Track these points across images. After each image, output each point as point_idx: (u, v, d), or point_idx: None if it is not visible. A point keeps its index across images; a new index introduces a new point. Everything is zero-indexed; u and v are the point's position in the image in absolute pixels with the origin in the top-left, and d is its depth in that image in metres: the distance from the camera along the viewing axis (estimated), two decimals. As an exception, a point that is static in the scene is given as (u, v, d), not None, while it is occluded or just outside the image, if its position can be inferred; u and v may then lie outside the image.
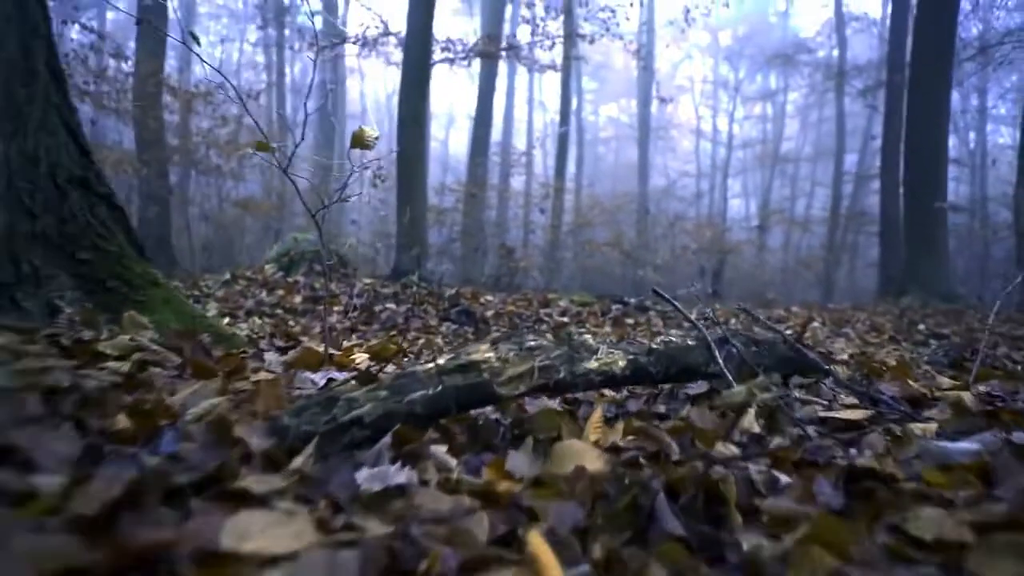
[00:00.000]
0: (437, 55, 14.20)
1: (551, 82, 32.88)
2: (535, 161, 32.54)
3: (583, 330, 6.01)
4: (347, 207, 22.45)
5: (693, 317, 2.74)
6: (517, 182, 24.85)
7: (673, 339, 2.16)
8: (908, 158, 14.24)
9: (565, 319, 6.38)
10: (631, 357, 1.90)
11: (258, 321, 5.28)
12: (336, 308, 6.10)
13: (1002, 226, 21.90)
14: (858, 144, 30.43)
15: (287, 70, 29.88)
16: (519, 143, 30.62)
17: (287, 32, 22.31)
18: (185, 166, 16.35)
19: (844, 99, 27.36)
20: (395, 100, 38.44)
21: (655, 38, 31.04)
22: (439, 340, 5.36)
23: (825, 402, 2.16)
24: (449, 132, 40.07)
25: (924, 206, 13.49)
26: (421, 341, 5.30)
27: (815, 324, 7.40)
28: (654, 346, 2.04)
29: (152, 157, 14.75)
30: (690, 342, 2.15)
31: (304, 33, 18.23)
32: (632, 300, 7.48)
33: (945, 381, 2.78)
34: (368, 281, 7.22)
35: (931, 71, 13.60)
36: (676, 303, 2.61)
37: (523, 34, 19.65)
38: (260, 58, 28.70)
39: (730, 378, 2.01)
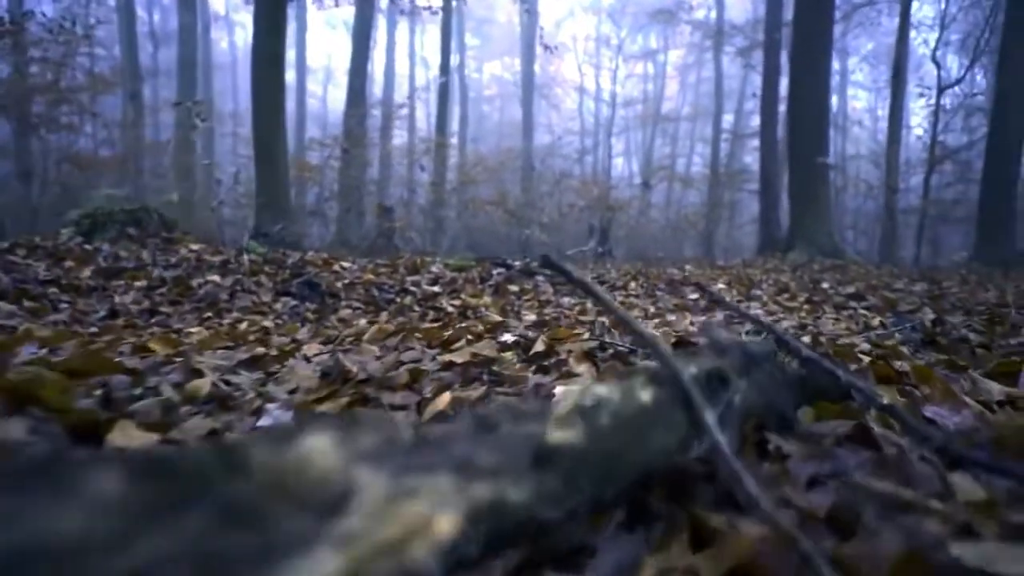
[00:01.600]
0: (298, -9, 12.40)
1: (433, 37, 31.12)
2: (417, 117, 30.85)
3: (456, 301, 4.77)
4: (214, 163, 20.31)
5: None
6: (400, 139, 23.24)
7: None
8: (791, 115, 13.63)
9: (436, 288, 5.12)
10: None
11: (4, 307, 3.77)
12: (139, 283, 4.62)
13: (864, 184, 22.05)
14: (734, 105, 30.26)
15: (141, 13, 26.96)
16: (401, 99, 28.84)
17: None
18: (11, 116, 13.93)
19: (722, 59, 26.95)
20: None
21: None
22: (268, 322, 4.01)
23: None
24: (327, 88, 37.64)
25: (807, 163, 12.91)
26: (243, 325, 3.94)
27: (720, 286, 6.43)
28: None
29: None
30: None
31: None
32: (516, 263, 6.29)
33: (993, 387, 1.69)
34: (195, 248, 5.72)
35: (813, 28, 12.97)
36: (570, 271, 1.46)
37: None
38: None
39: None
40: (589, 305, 4.92)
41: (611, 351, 2.18)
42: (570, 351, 2.11)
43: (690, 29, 27.38)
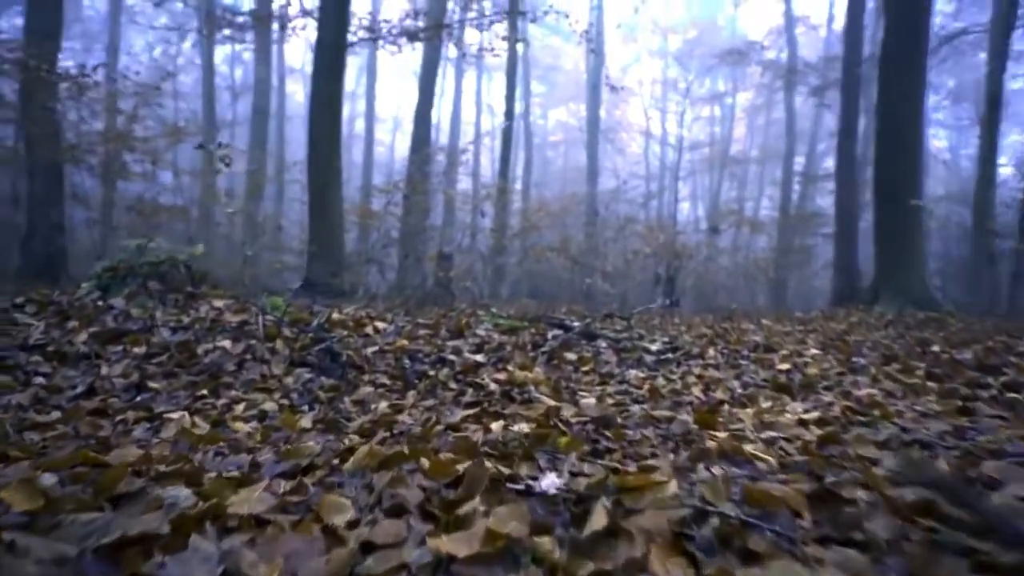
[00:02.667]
0: (361, 34, 12.00)
1: (499, 85, 30.87)
2: (482, 164, 30.50)
3: (501, 375, 3.93)
4: (284, 211, 20.14)
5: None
6: (464, 185, 22.77)
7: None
8: (880, 154, 12.44)
9: (479, 357, 4.29)
10: None
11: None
12: (137, 349, 3.92)
13: (955, 226, 20.50)
14: (805, 147, 28.97)
15: (224, 68, 27.41)
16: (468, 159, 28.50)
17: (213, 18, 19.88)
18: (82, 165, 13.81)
19: (794, 99, 25.85)
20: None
21: (603, 19, 29.20)
22: (271, 403, 3.26)
23: None
24: (395, 137, 37.74)
25: (896, 205, 11.69)
26: (239, 407, 3.19)
27: (812, 351, 5.44)
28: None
29: (44, 155, 12.28)
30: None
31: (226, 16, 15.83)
32: (575, 323, 5.42)
33: None
34: (218, 304, 5.04)
35: (905, 61, 11.82)
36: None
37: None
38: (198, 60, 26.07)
39: None
40: (661, 381, 4.03)
41: (716, 521, 1.32)
42: (649, 534, 1.25)
43: (760, 70, 26.39)
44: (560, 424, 2.55)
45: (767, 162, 31.52)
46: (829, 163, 28.36)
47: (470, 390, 3.54)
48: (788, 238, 22.77)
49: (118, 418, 2.93)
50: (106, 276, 5.22)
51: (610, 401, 3.27)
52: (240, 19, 13.75)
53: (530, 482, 1.56)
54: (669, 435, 2.46)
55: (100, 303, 4.86)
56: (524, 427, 2.48)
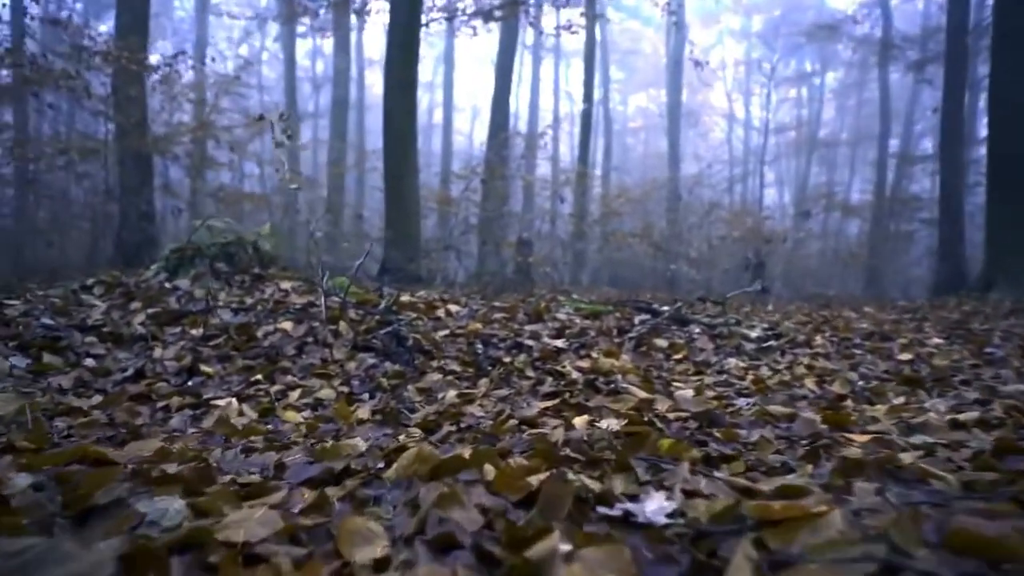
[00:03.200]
0: (435, 15, 11.68)
1: (577, 71, 30.11)
2: (561, 152, 29.98)
3: (584, 363, 3.50)
4: (365, 201, 20.15)
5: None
6: (543, 171, 22.30)
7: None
8: (993, 131, 11.35)
9: (560, 343, 3.87)
10: None
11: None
12: (195, 331, 3.66)
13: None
14: (900, 128, 27.28)
15: (305, 61, 27.63)
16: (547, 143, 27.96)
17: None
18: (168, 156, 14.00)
19: (888, 76, 24.34)
20: (419, 92, 35.89)
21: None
22: (328, 390, 2.92)
23: None
24: (474, 125, 37.51)
25: (1013, 186, 10.64)
26: (293, 395, 2.88)
27: (935, 340, 4.79)
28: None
29: (133, 145, 12.46)
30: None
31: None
32: (664, 308, 4.93)
33: None
34: (285, 286, 4.77)
35: (1021, 23, 10.74)
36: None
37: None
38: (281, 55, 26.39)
39: None
40: (766, 371, 3.52)
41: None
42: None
43: (851, 47, 24.95)
44: (656, 421, 2.11)
45: (858, 145, 29.89)
46: (927, 145, 26.71)
47: (549, 379, 3.13)
48: (883, 223, 21.45)
49: (160, 404, 2.65)
50: (174, 258, 5.02)
51: (710, 394, 2.80)
52: (317, 4, 13.62)
53: (629, 505, 1.13)
54: (792, 437, 1.98)
55: (166, 285, 4.66)
56: (613, 423, 2.05)
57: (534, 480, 1.23)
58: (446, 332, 3.88)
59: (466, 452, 1.47)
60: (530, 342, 3.81)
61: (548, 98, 35.27)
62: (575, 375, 3.19)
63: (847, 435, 1.97)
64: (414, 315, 4.18)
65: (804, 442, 1.90)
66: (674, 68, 28.56)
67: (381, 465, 1.49)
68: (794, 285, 16.39)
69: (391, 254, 9.94)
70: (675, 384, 3.05)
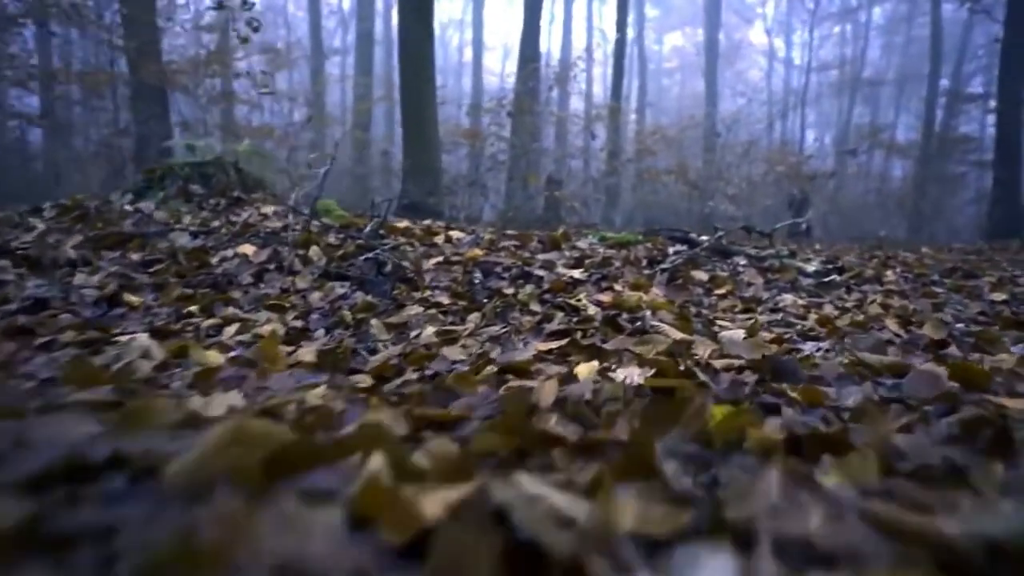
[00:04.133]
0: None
1: (611, 9, 28.51)
2: (593, 91, 28.74)
3: (605, 296, 2.77)
4: (394, 138, 19.37)
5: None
6: (575, 108, 21.23)
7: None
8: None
9: (577, 273, 3.15)
10: None
11: None
12: (135, 255, 3.01)
13: None
14: (949, 67, 25.53)
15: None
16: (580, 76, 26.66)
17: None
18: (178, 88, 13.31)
19: (940, 9, 22.66)
20: (449, 32, 34.53)
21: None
22: (275, 324, 2.26)
23: None
24: (504, 65, 36.20)
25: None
26: (231, 328, 2.22)
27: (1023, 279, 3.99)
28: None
29: (146, 75, 11.80)
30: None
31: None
32: (704, 238, 4.17)
33: None
34: (266, 211, 4.10)
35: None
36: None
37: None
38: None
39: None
40: (831, 309, 2.78)
41: None
42: None
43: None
44: (697, 371, 1.40)
45: (905, 84, 28.19)
46: (977, 84, 25.04)
47: (559, 314, 2.43)
48: (931, 165, 20.11)
49: (42, 340, 2.00)
50: (143, 179, 4.36)
51: (767, 336, 2.08)
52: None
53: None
54: (910, 401, 1.27)
55: (127, 207, 4.01)
56: (635, 374, 1.35)
57: (436, 506, 0.54)
58: (440, 260, 3.18)
59: (349, 429, 0.79)
60: (541, 272, 3.10)
61: (581, 37, 33.84)
62: (592, 310, 2.49)
63: (992, 399, 1.25)
64: (404, 241, 3.48)
65: (936, 409, 1.18)
66: (712, 3, 27.07)
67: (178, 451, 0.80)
68: (836, 227, 15.38)
69: (409, 187, 9.22)
70: (720, 324, 2.34)
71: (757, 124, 24.42)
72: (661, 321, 2.22)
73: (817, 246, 7.47)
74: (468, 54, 32.67)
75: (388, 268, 2.82)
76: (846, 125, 27.16)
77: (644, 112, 25.54)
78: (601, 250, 3.80)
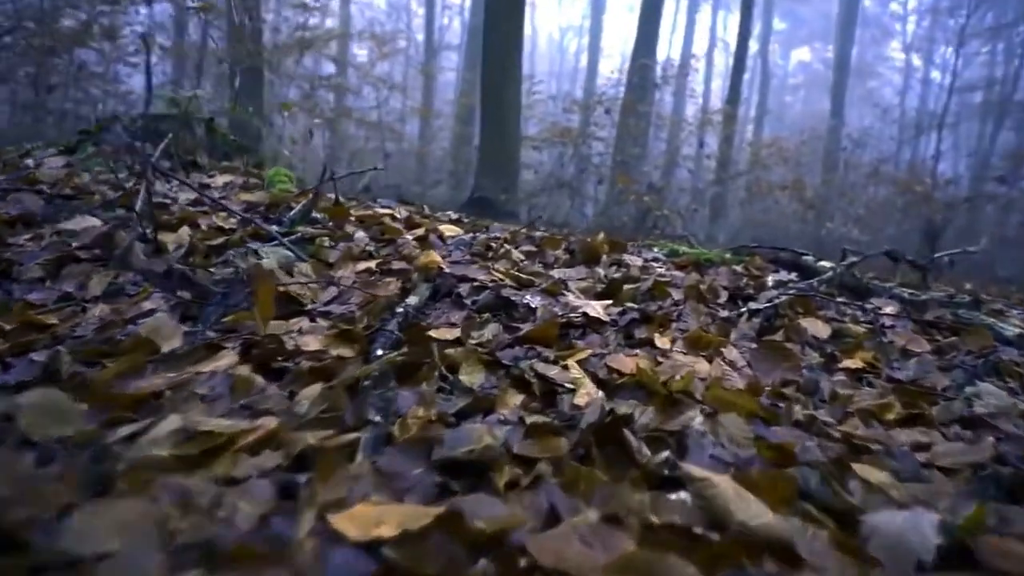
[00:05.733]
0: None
1: (736, 21, 26.37)
2: (711, 103, 26.75)
3: (622, 359, 1.39)
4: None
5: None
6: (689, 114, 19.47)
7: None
8: None
9: (598, 308, 1.75)
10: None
11: None
12: None
13: None
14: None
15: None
16: (697, 86, 24.72)
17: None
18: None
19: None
20: (568, 38, 33.32)
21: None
22: None
23: None
24: (623, 71, 34.47)
25: None
26: None
27: None
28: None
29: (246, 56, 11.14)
30: None
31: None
32: (825, 264, 2.67)
33: None
34: (225, 179, 2.92)
35: None
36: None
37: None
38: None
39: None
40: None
41: None
42: None
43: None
44: None
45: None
46: None
47: (514, 399, 1.07)
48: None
49: None
50: (79, 134, 3.27)
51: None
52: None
53: None
54: None
55: (27, 162, 2.91)
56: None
57: None
58: (370, 266, 1.87)
59: None
60: (534, 300, 1.74)
61: (703, 48, 31.78)
62: (585, 397, 1.12)
63: None
64: (339, 232, 2.19)
65: None
66: (847, 16, 24.63)
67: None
68: (978, 262, 13.05)
69: (482, 180, 7.98)
70: (860, 468, 0.93)
71: (886, 144, 21.94)
72: (724, 446, 0.84)
73: (968, 286, 5.70)
74: (584, 60, 31.27)
75: (242, 277, 1.54)
76: (987, 151, 24.04)
77: (762, 123, 23.44)
78: (661, 270, 2.39)
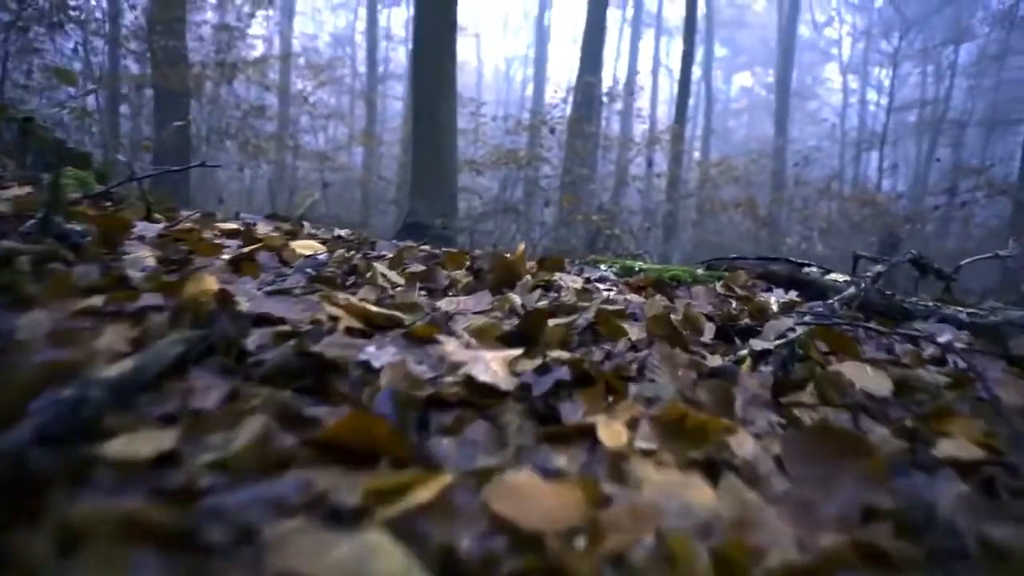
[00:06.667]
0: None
1: (678, 48, 26.21)
2: (658, 123, 26.51)
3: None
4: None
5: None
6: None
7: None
8: None
9: (498, 373, 0.95)
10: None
11: None
12: None
13: None
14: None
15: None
16: (643, 109, 24.36)
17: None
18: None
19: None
20: (514, 68, 33.07)
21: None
22: None
23: None
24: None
25: None
26: None
27: None
28: None
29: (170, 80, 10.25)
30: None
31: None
32: (836, 278, 1.91)
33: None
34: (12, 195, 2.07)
35: None
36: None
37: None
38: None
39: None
40: None
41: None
42: None
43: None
44: None
45: (995, 130, 25.09)
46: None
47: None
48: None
49: None
50: None
51: None
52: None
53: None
54: None
55: None
56: None
57: None
58: (85, 305, 1.03)
59: None
60: (377, 354, 0.93)
61: (646, 74, 31.65)
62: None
63: None
64: (107, 251, 1.35)
65: None
66: (786, 40, 24.70)
67: None
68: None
69: (416, 206, 7.18)
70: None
71: (832, 161, 21.87)
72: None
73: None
74: (531, 89, 30.89)
75: None
76: (925, 168, 24.18)
77: (708, 144, 23.20)
78: (610, 293, 1.60)
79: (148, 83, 10.98)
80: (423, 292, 1.42)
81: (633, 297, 1.61)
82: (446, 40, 7.28)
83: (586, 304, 1.38)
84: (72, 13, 9.58)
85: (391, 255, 1.80)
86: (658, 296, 1.62)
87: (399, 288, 1.40)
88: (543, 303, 1.37)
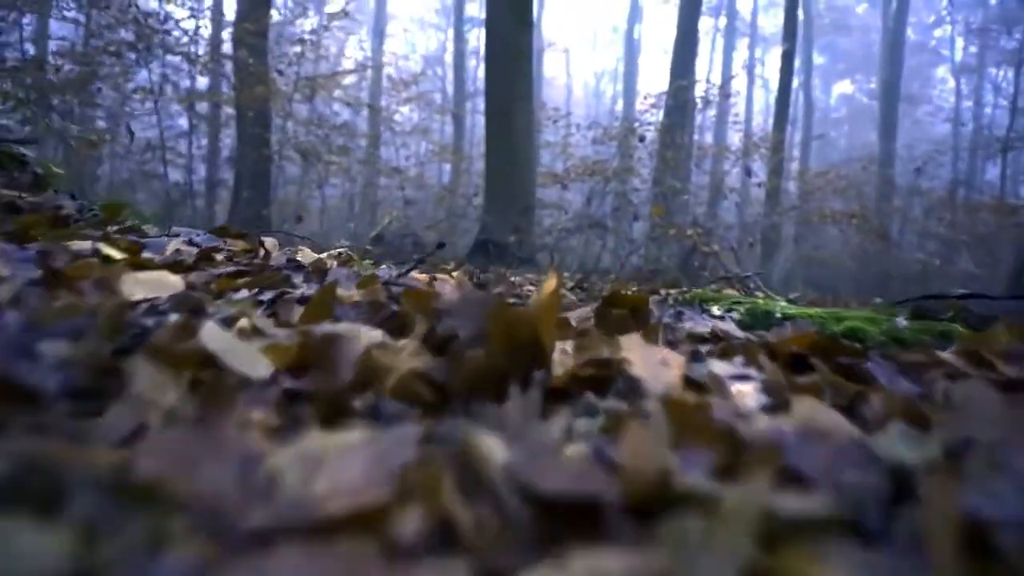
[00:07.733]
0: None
1: (774, 59, 24.50)
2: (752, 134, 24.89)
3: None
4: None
5: None
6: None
7: None
8: None
9: None
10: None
11: None
12: None
13: None
14: None
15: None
16: (738, 112, 22.85)
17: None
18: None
19: None
20: (603, 83, 32.06)
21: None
22: None
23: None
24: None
25: None
26: None
27: None
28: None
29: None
30: None
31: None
32: None
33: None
34: None
35: None
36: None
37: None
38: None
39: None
40: None
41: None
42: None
43: None
44: None
45: None
46: None
47: None
48: None
49: None
50: None
51: None
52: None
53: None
54: None
55: None
56: None
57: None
58: None
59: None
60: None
61: (742, 83, 29.97)
62: None
63: None
64: None
65: None
66: (893, 42, 22.67)
67: None
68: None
69: (490, 220, 6.34)
70: None
71: (938, 171, 19.75)
72: None
73: None
74: (621, 104, 29.80)
75: None
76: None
77: (809, 151, 21.43)
78: (763, 422, 0.66)
79: (229, 102, 10.76)
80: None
81: (802, 407, 0.65)
82: (520, 37, 6.43)
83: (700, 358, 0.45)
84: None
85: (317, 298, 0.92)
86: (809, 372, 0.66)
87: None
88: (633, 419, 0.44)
